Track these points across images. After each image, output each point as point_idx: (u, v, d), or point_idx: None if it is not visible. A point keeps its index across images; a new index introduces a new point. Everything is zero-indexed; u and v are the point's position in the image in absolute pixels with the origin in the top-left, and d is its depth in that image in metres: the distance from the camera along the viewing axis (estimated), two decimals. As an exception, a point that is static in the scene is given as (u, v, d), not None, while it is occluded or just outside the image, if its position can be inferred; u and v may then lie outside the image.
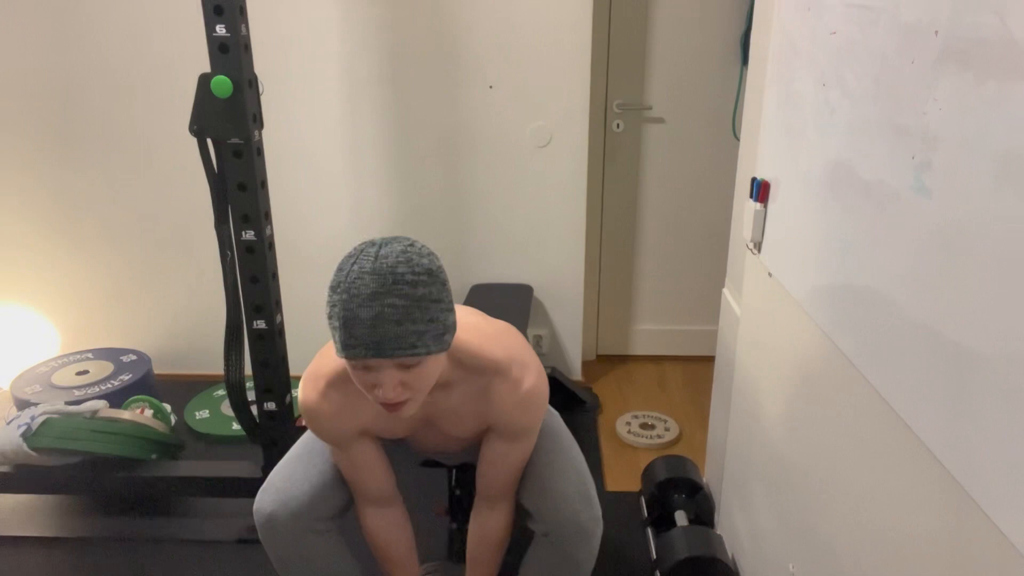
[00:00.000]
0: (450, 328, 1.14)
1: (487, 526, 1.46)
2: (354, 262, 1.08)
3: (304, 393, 1.32)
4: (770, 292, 1.52)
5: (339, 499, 1.45)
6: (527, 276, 2.74)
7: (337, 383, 1.30)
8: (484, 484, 1.42)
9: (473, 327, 1.31)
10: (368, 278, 1.06)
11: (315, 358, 1.36)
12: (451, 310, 1.14)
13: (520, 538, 1.50)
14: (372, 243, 1.11)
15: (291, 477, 1.42)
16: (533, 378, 1.30)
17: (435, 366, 1.15)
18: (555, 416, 1.60)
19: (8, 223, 2.72)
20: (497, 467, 1.38)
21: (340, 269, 1.09)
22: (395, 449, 1.57)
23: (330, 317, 1.09)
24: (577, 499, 1.38)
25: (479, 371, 1.28)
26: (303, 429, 2.39)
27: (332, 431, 1.34)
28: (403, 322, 1.06)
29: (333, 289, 1.08)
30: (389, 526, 1.47)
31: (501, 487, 1.41)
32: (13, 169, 2.64)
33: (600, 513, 1.41)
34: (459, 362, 1.27)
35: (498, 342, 1.31)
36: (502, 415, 1.31)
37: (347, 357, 1.08)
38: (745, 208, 1.62)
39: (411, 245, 1.11)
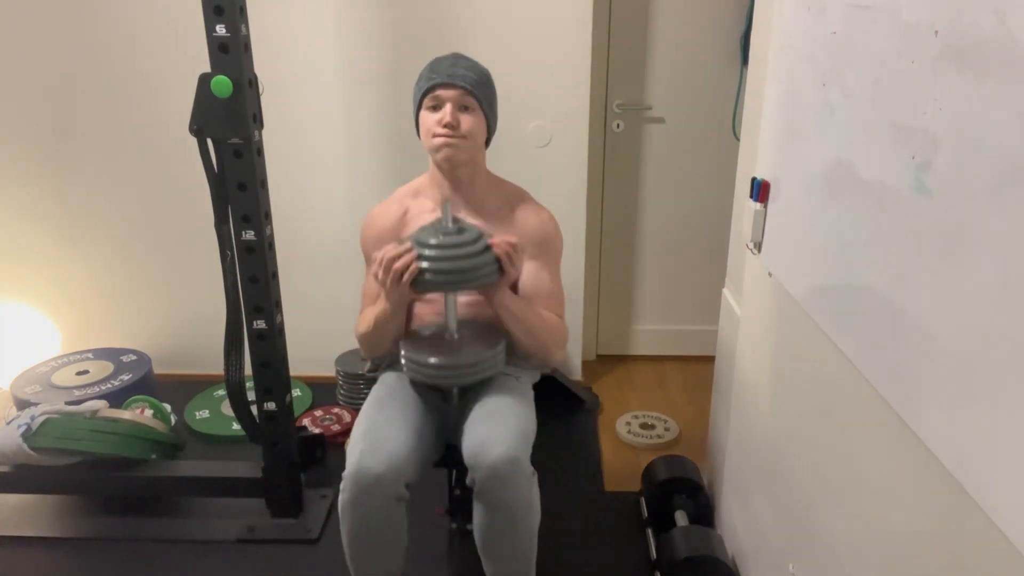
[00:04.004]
0: (494, 113, 1.64)
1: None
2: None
3: (376, 207, 1.73)
4: (770, 292, 1.53)
5: (420, 462, 1.51)
6: (527, 276, 2.73)
7: (410, 193, 1.72)
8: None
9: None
10: (450, 54, 1.61)
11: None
12: (495, 110, 1.65)
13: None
14: None
15: (388, 439, 1.45)
16: (548, 210, 1.73)
17: (480, 125, 1.59)
18: (525, 385, 1.69)
19: (8, 222, 2.72)
20: (535, 285, 1.67)
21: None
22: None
23: (418, 81, 1.59)
24: (492, 441, 1.41)
25: (506, 193, 1.71)
26: (303, 429, 2.40)
27: (383, 232, 1.67)
28: (470, 71, 1.56)
29: (421, 72, 1.59)
30: None
31: (543, 304, 1.67)
32: (13, 168, 2.64)
33: (520, 457, 1.42)
34: (495, 184, 1.71)
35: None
36: (529, 223, 1.68)
37: (428, 88, 1.55)
38: (745, 208, 1.62)
39: None
